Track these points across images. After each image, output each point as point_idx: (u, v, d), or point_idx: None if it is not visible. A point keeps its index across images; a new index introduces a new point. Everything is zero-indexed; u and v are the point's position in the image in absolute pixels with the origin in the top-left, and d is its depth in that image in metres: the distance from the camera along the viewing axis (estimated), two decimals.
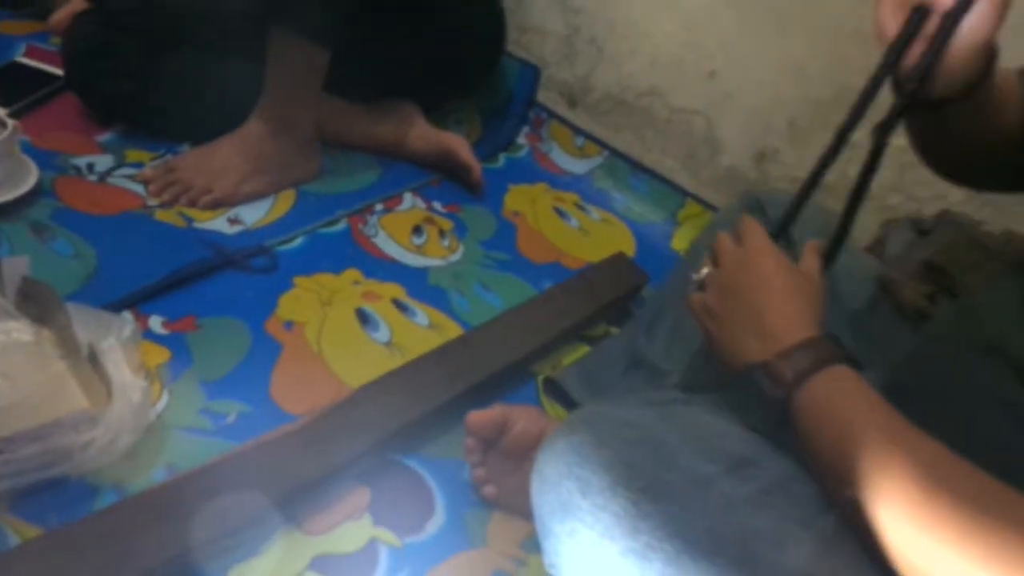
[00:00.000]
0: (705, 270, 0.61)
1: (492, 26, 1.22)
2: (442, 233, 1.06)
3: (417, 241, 1.03)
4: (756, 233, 0.60)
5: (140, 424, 0.63)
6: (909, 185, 1.03)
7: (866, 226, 1.07)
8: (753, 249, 0.58)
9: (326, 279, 0.91)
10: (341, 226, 1.00)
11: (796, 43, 1.05)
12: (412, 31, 1.07)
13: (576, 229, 1.18)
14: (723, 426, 0.54)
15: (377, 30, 1.03)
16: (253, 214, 0.96)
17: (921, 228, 1.00)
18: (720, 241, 0.61)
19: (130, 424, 0.61)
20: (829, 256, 0.65)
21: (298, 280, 0.90)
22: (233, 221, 0.94)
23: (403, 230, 1.04)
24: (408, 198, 1.11)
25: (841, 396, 0.48)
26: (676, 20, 1.16)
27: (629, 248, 1.18)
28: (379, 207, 1.06)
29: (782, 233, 0.65)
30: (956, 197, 1.00)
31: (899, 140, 1.01)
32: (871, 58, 0.99)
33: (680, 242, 1.22)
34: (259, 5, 0.89)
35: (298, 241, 0.95)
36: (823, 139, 1.10)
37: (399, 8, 1.04)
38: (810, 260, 0.63)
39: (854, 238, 1.11)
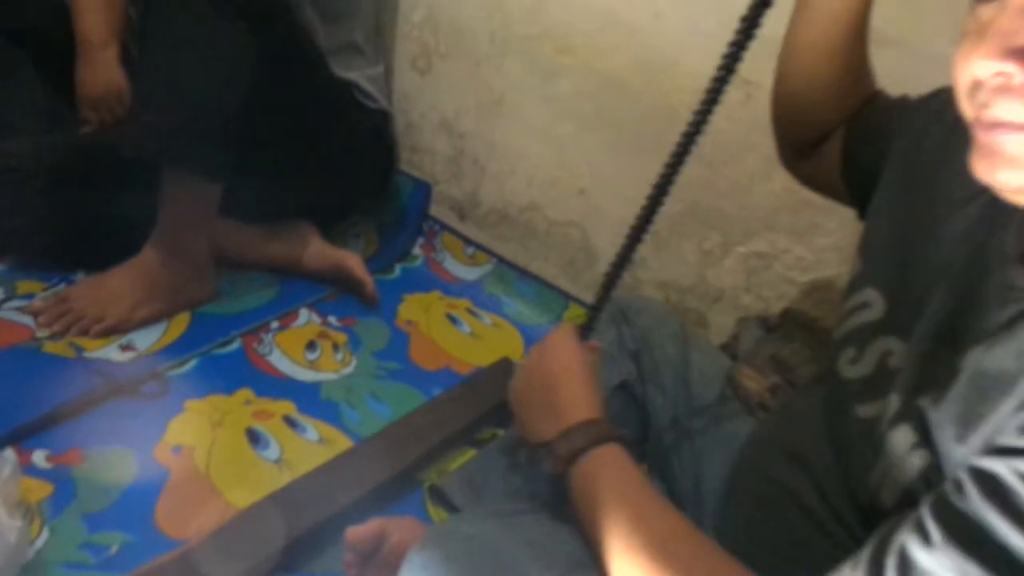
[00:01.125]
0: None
1: (382, 149, 1.33)
2: (336, 347, 1.12)
3: (311, 356, 1.08)
4: (561, 327, 0.68)
5: (16, 564, 0.65)
6: (756, 286, 1.16)
7: (724, 324, 1.20)
8: (552, 339, 0.66)
9: (218, 400, 0.95)
10: (235, 346, 1.05)
11: (651, 164, 1.19)
12: (305, 158, 1.16)
13: (467, 335, 1.26)
14: (565, 531, 0.60)
15: (271, 157, 1.10)
16: (146, 339, 1.00)
17: (768, 325, 1.13)
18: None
19: (3, 565, 0.62)
20: (588, 327, 0.71)
21: (189, 403, 0.93)
22: (125, 348, 0.97)
23: (297, 346, 1.09)
24: (304, 314, 1.16)
25: (605, 472, 0.55)
26: (548, 144, 1.29)
27: (518, 350, 1.26)
28: (274, 324, 1.11)
29: (593, 321, 0.71)
30: (794, 295, 1.13)
31: (748, 247, 1.15)
32: (721, 177, 1.13)
33: None
34: (151, 146, 0.96)
35: (191, 364, 0.99)
36: (681, 246, 1.23)
37: (291, 138, 1.12)
38: (592, 358, 0.70)
39: (711, 335, 1.23)
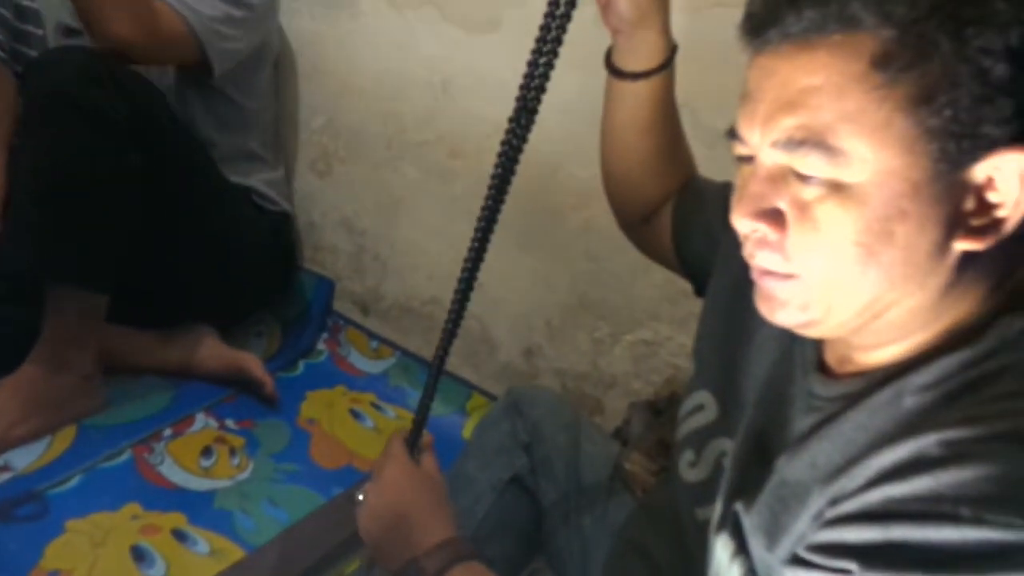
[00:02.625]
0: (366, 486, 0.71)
1: (281, 249, 1.35)
2: (232, 451, 1.10)
3: (205, 464, 1.06)
4: (390, 450, 0.72)
5: None
6: (645, 372, 1.22)
7: (619, 409, 1.25)
8: (385, 471, 0.69)
9: (101, 518, 0.92)
10: (124, 458, 1.02)
11: (542, 261, 1.26)
12: (198, 262, 1.17)
13: (370, 429, 1.26)
14: None
15: (161, 265, 1.11)
16: (25, 458, 0.96)
17: (656, 409, 1.19)
18: (377, 460, 0.72)
19: None
20: (411, 442, 0.76)
21: (70, 524, 0.90)
22: (1, 469, 0.94)
23: (191, 454, 1.07)
24: (200, 418, 1.15)
25: None
26: (446, 241, 1.34)
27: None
28: (167, 432, 1.09)
29: (421, 423, 0.76)
30: (680, 380, 1.19)
31: (635, 335, 1.22)
32: (605, 271, 1.21)
33: (470, 431, 1.33)
34: (32, 259, 0.95)
35: (74, 481, 0.96)
36: (574, 336, 1.29)
37: (182, 244, 1.13)
38: (428, 459, 0.75)
39: (607, 420, 1.28)
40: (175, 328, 1.22)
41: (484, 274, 1.33)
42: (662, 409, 1.20)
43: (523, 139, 0.66)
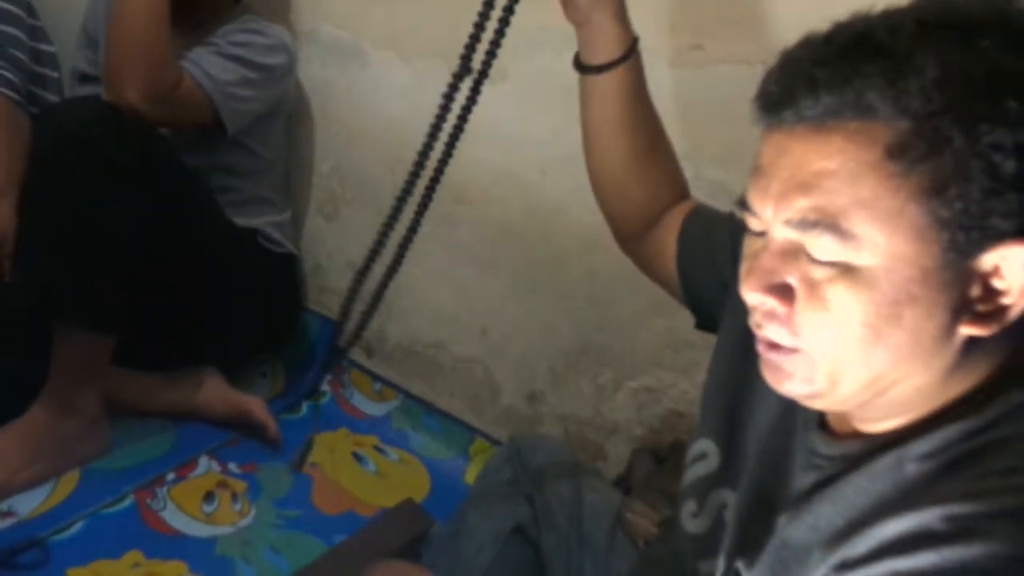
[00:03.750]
0: None
1: (286, 291, 1.37)
2: (235, 497, 1.10)
3: (207, 509, 1.06)
4: None
5: None
6: (648, 419, 1.22)
7: (621, 455, 1.25)
8: None
9: (103, 566, 0.92)
10: (127, 503, 1.02)
11: (546, 306, 1.27)
12: (203, 305, 1.18)
13: (372, 473, 1.26)
14: None
15: (167, 307, 1.12)
16: (28, 503, 0.97)
17: (659, 457, 1.19)
18: None
19: None
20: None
21: (71, 572, 0.90)
22: (5, 514, 0.94)
23: (193, 499, 1.07)
24: (203, 462, 1.15)
25: None
26: (450, 286, 1.36)
27: (424, 485, 1.27)
28: (170, 476, 1.10)
29: None
30: (683, 427, 1.20)
31: (638, 382, 1.22)
32: (608, 317, 1.21)
33: (472, 476, 1.33)
34: (37, 300, 0.96)
35: (76, 527, 0.96)
36: (577, 381, 1.30)
37: (188, 287, 1.14)
38: None
39: (610, 467, 1.28)
40: (180, 370, 1.22)
41: (487, 318, 1.36)
42: (665, 457, 1.20)
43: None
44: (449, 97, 0.69)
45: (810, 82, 0.42)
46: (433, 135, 0.71)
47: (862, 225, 0.41)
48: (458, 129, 0.72)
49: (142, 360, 1.18)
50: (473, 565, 0.89)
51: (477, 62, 0.73)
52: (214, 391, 1.22)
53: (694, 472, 0.65)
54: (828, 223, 0.42)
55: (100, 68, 1.19)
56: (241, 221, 1.24)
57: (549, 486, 0.95)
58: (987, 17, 0.41)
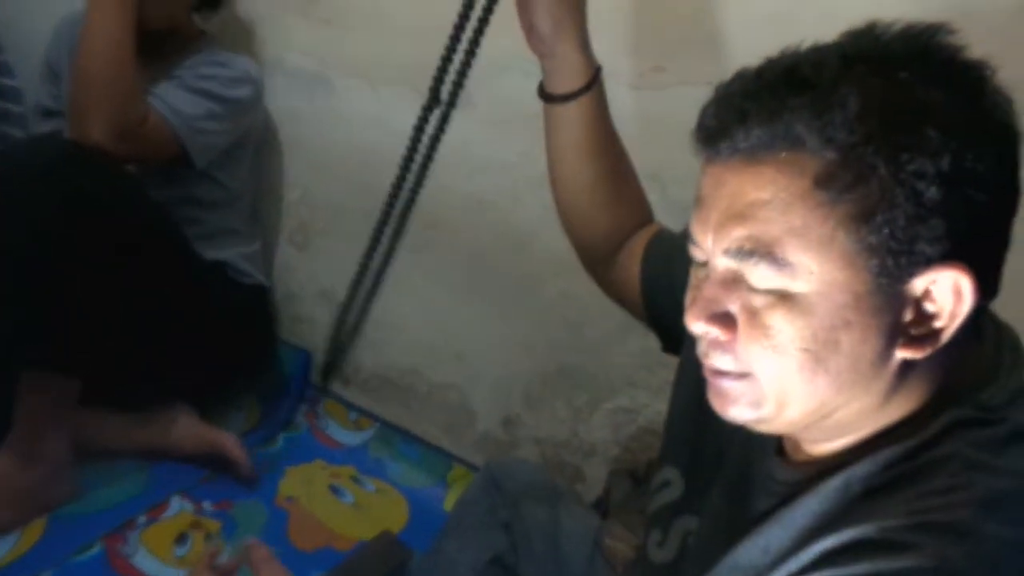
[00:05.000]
0: None
1: (258, 322, 1.35)
2: (209, 536, 1.08)
3: (179, 552, 1.04)
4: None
5: None
6: (624, 440, 1.22)
7: (599, 477, 1.24)
8: None
9: None
10: (95, 550, 1.00)
11: (519, 330, 1.27)
12: (172, 341, 1.16)
13: (350, 505, 1.24)
14: None
15: (134, 345, 1.10)
16: None
17: (636, 477, 1.18)
18: None
19: None
20: None
21: None
22: None
23: (165, 542, 1.05)
24: (175, 502, 1.13)
25: None
26: (424, 312, 1.35)
27: (403, 515, 1.26)
28: (141, 519, 1.07)
29: None
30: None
31: (613, 403, 1.22)
32: (581, 339, 1.21)
33: (451, 503, 1.31)
34: (2, 344, 0.94)
35: None
36: (553, 405, 1.29)
37: (154, 324, 1.12)
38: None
39: (588, 489, 1.27)
40: (151, 408, 1.20)
41: (462, 343, 1.35)
42: (642, 477, 1.20)
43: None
44: (420, 129, 0.69)
45: (742, 115, 0.43)
46: (406, 166, 0.70)
47: (795, 253, 0.42)
48: (427, 159, 0.72)
49: (111, 399, 1.15)
50: None
51: (445, 92, 0.73)
52: (186, 428, 1.20)
53: (658, 500, 0.65)
54: (763, 252, 0.43)
55: (64, 103, 1.18)
56: (210, 253, 1.23)
57: (526, 513, 0.95)
58: (908, 50, 0.43)
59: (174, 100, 1.10)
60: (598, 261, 0.80)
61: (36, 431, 0.99)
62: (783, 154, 0.43)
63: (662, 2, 1.01)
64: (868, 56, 0.43)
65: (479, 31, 0.70)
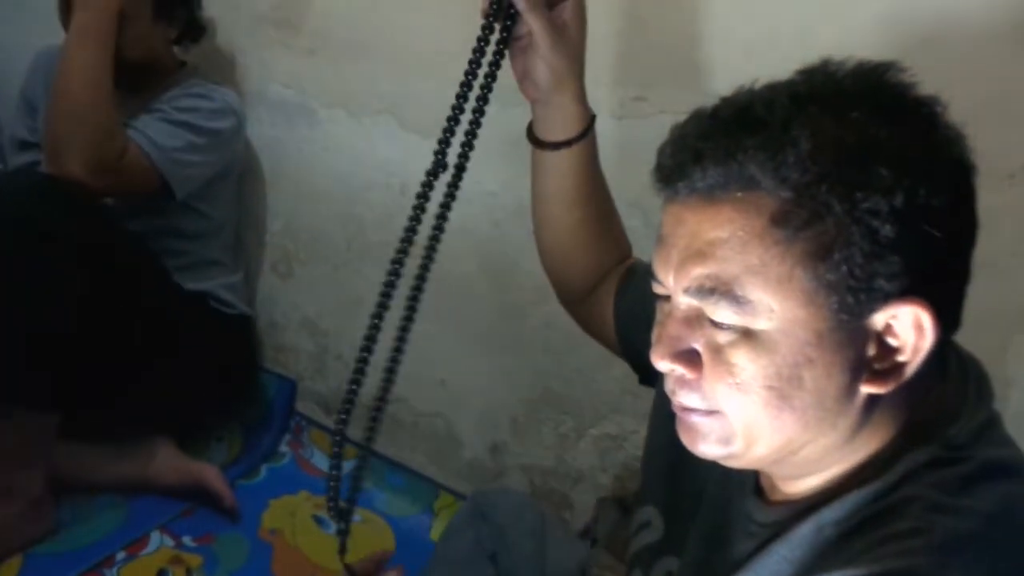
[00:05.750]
0: None
1: (240, 352, 1.34)
2: (189, 573, 1.06)
3: None
4: None
5: None
6: (611, 466, 1.22)
7: (587, 503, 1.24)
8: None
9: None
10: None
11: (504, 357, 1.26)
12: (153, 374, 1.15)
13: (334, 536, 1.22)
14: None
15: (113, 379, 1.09)
16: None
17: (625, 505, 1.18)
18: None
19: None
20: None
21: None
22: None
23: None
24: (155, 537, 1.11)
25: None
26: (408, 341, 1.34)
27: (389, 545, 1.24)
28: (120, 556, 1.05)
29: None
30: None
31: (600, 429, 1.22)
32: (566, 366, 1.21)
33: (438, 532, 1.30)
34: None
35: None
36: (539, 431, 1.29)
37: (134, 357, 1.11)
38: None
39: (576, 516, 1.27)
40: (130, 441, 1.18)
41: (447, 372, 1.34)
42: (629, 505, 1.20)
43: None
44: (424, 196, 0.67)
45: (696, 156, 0.44)
46: (411, 229, 0.69)
47: (755, 292, 0.43)
48: (438, 230, 0.70)
49: (90, 432, 1.14)
50: None
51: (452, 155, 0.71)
52: (166, 461, 1.19)
53: (639, 541, 0.64)
54: (723, 290, 0.43)
55: (40, 136, 1.18)
56: (191, 285, 1.22)
57: (513, 545, 0.94)
58: (859, 88, 0.43)
59: (154, 133, 1.10)
60: (576, 298, 0.81)
61: (12, 466, 0.97)
62: (739, 193, 0.43)
63: (642, 32, 1.03)
64: (820, 94, 0.44)
65: (486, 88, 0.67)
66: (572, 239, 0.75)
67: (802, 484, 0.48)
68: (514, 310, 1.22)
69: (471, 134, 0.68)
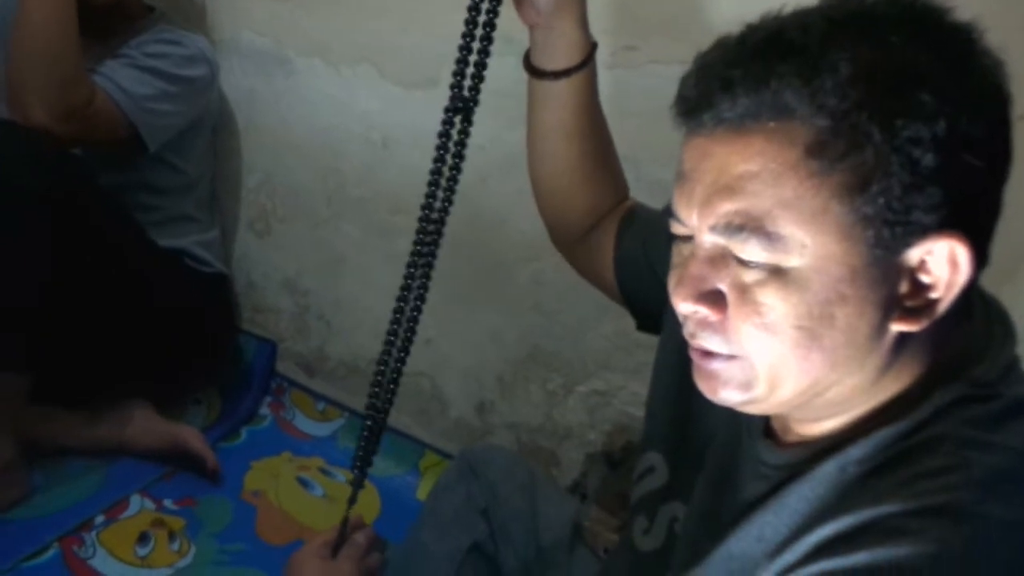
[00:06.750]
0: None
1: (218, 312, 1.30)
2: (172, 535, 1.04)
3: (142, 552, 1.00)
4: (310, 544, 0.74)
5: None
6: (599, 423, 1.21)
7: (575, 460, 1.23)
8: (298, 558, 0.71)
9: None
10: (51, 553, 0.95)
11: (492, 315, 1.25)
12: (127, 333, 1.11)
13: (320, 498, 1.21)
14: None
15: (87, 339, 1.05)
16: None
17: (612, 461, 1.18)
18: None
19: None
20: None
21: None
22: None
23: (126, 542, 1.00)
24: (135, 501, 1.08)
25: None
26: (390, 298, 1.30)
27: (375, 505, 1.23)
28: (99, 519, 1.02)
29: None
30: (635, 429, 1.19)
31: (588, 386, 1.21)
32: (556, 323, 1.20)
33: (424, 491, 1.29)
34: None
35: None
36: (527, 389, 1.28)
37: (108, 316, 1.07)
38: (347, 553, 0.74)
39: (564, 473, 1.26)
40: (105, 404, 1.15)
41: (433, 330, 1.32)
42: (618, 461, 1.20)
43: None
44: (445, 135, 0.64)
45: (726, 84, 0.41)
46: (435, 182, 0.65)
47: (787, 227, 0.41)
48: (455, 170, 0.67)
49: (63, 395, 1.10)
50: None
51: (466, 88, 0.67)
52: (143, 424, 1.15)
53: (643, 487, 0.63)
54: (754, 226, 0.41)
55: (1, 83, 1.11)
56: (165, 242, 1.18)
57: (504, 500, 0.93)
58: (894, 14, 0.41)
59: (122, 79, 1.04)
60: (572, 240, 0.77)
61: None
62: (771, 123, 0.41)
63: None
64: (855, 20, 0.41)
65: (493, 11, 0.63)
66: (570, 176, 0.71)
67: (823, 425, 0.47)
68: (502, 267, 1.20)
69: (480, 65, 0.64)
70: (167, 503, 1.09)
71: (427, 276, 0.75)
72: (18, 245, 0.91)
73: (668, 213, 0.47)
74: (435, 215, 0.69)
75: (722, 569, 0.49)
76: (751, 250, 0.42)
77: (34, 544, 0.94)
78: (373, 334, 1.35)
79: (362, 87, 1.23)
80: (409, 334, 0.76)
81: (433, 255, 0.72)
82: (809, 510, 0.45)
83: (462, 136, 0.66)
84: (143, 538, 1.01)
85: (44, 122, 0.93)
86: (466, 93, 0.65)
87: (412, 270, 0.72)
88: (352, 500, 0.81)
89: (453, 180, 0.67)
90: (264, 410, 1.38)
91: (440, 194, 0.69)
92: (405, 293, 0.73)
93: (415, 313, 0.76)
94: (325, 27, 1.23)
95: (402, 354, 0.76)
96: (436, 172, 0.65)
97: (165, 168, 1.18)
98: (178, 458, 1.15)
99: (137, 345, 1.13)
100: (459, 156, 0.67)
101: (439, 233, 0.71)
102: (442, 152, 0.63)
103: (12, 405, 0.95)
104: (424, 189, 1.30)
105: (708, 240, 0.44)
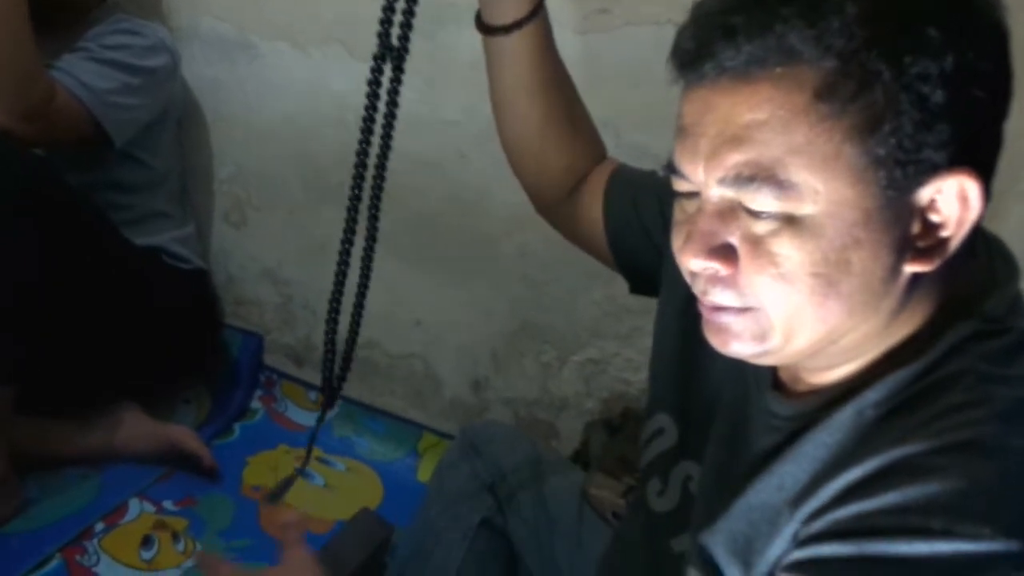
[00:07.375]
0: None
1: (200, 308, 1.27)
2: (175, 536, 1.03)
3: (146, 555, 0.98)
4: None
5: None
6: (596, 391, 1.22)
7: (574, 430, 1.24)
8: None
9: None
10: (53, 564, 0.93)
11: (480, 291, 1.24)
12: (109, 337, 1.08)
13: (321, 488, 1.20)
14: None
15: (69, 346, 1.02)
16: None
17: (612, 426, 1.18)
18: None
19: None
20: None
21: None
22: None
23: (130, 547, 0.99)
24: (134, 505, 1.06)
25: None
26: (377, 282, 1.28)
27: (377, 490, 1.22)
28: (99, 527, 1.00)
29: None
30: (632, 394, 1.20)
31: (582, 355, 1.21)
32: (545, 295, 1.19)
33: (425, 473, 1.29)
34: None
35: None
36: (521, 363, 1.27)
37: (88, 321, 1.04)
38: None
39: (564, 444, 1.27)
40: (93, 410, 1.12)
41: (420, 311, 1.31)
42: (618, 426, 1.20)
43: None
44: (375, 83, 0.62)
45: (728, 31, 0.40)
46: (367, 129, 0.64)
47: (799, 173, 0.40)
48: (390, 116, 0.66)
49: (50, 405, 1.07)
50: (444, 570, 0.86)
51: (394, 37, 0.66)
52: (134, 427, 1.13)
53: (654, 449, 0.63)
54: (765, 176, 0.41)
55: None
56: (140, 240, 1.15)
57: (509, 474, 0.93)
58: None
59: (82, 73, 1.00)
60: (553, 204, 0.75)
61: None
62: (778, 69, 0.40)
63: None
64: None
65: None
66: (539, 135, 0.69)
67: (835, 372, 0.47)
68: (487, 242, 1.19)
69: (408, 12, 0.63)
70: (167, 504, 1.08)
71: (373, 238, 0.75)
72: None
73: (669, 169, 0.46)
74: (368, 172, 0.70)
75: (743, 520, 0.49)
76: (763, 200, 0.41)
77: (35, 557, 0.92)
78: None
79: (333, 68, 1.20)
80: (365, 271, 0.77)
81: (376, 208, 0.72)
82: (828, 456, 0.45)
83: (395, 84, 0.65)
84: (146, 541, 1.00)
85: (4, 122, 0.89)
86: (395, 42, 0.65)
87: (350, 223, 0.73)
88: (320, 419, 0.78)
89: (389, 127, 0.66)
90: (255, 404, 1.36)
91: (373, 150, 0.69)
92: (347, 247, 0.73)
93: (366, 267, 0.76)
94: (289, 8, 1.19)
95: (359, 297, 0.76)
96: (369, 120, 0.65)
97: (132, 164, 1.14)
98: (173, 459, 1.13)
99: (121, 347, 1.10)
100: (393, 103, 0.66)
101: (379, 187, 0.71)
102: (373, 100, 0.63)
103: (0, 416, 0.92)
104: (401, 167, 1.28)
105: (716, 194, 0.43)
